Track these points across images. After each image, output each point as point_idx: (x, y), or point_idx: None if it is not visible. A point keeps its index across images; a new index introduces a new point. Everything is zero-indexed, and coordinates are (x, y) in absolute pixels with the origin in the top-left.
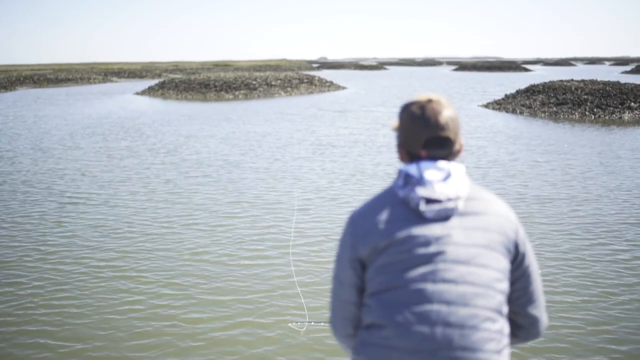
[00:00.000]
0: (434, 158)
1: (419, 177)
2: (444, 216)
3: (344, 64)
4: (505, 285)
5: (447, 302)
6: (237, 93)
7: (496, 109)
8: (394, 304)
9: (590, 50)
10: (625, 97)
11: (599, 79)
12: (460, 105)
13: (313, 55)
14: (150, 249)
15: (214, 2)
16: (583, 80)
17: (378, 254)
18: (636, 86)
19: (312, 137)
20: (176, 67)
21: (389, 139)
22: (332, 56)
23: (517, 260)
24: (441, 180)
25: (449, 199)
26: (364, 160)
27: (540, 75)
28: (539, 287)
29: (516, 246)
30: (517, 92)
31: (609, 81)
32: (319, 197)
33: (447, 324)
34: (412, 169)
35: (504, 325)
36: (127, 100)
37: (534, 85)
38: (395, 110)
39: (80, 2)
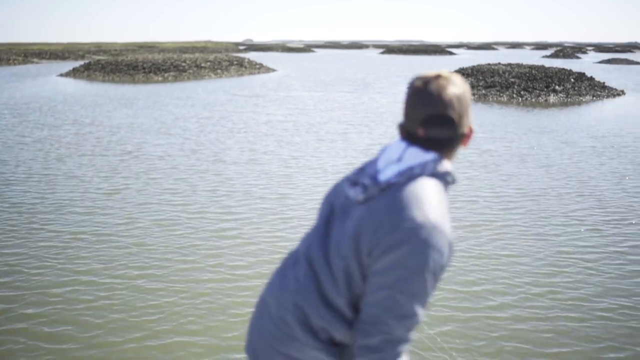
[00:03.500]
0: (434, 140)
1: (376, 157)
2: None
3: (271, 46)
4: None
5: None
6: (166, 75)
7: None
8: None
9: (511, 35)
10: (550, 80)
11: (524, 63)
12: (398, 89)
13: (238, 37)
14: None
15: None
16: (510, 64)
17: None
18: (560, 70)
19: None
20: (99, 49)
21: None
22: (258, 38)
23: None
24: (392, 163)
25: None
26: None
27: (465, 59)
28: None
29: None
30: None
31: (534, 65)
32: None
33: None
34: (387, 146)
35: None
36: (51, 82)
37: (463, 69)
38: (339, 92)
39: None
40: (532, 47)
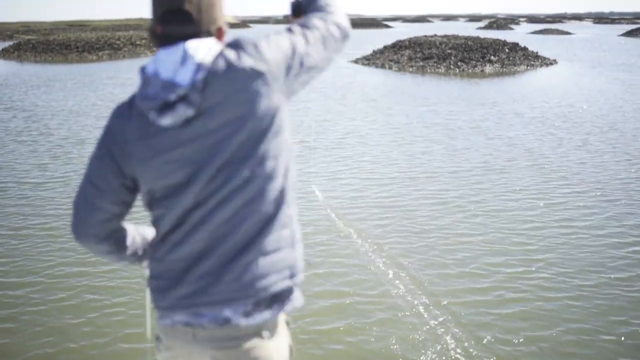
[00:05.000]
0: (174, 38)
1: (152, 71)
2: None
3: None
4: None
5: None
6: (100, 54)
7: (365, 65)
8: None
9: (445, 8)
10: (485, 51)
11: (459, 34)
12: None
13: None
14: None
15: None
16: (446, 35)
17: None
18: (494, 41)
19: None
20: (28, 28)
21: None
22: None
23: None
24: (177, 67)
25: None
26: None
27: (401, 32)
28: None
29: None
30: (385, 47)
31: (470, 36)
32: None
33: None
34: (150, 61)
35: None
36: None
37: (400, 41)
38: None
39: None
40: (466, 19)
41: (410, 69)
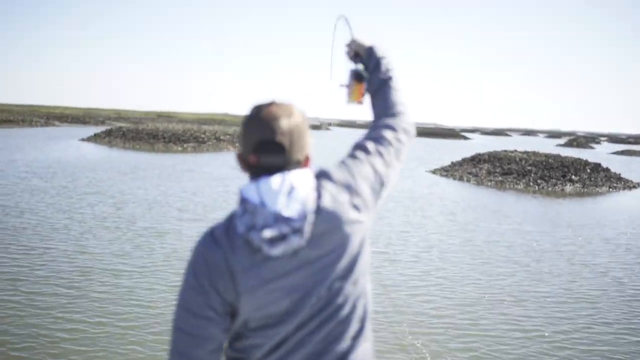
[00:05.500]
0: (266, 167)
1: (257, 201)
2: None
3: None
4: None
5: None
6: (185, 145)
7: (444, 176)
8: None
9: (524, 122)
10: (566, 169)
11: (540, 151)
12: (409, 169)
13: None
14: None
15: (154, 53)
16: (526, 152)
17: None
18: (576, 160)
19: None
20: (119, 116)
21: None
22: None
23: None
24: (285, 199)
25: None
26: None
27: (480, 144)
28: None
29: None
30: (463, 160)
31: (550, 154)
32: None
33: None
34: (251, 189)
35: None
36: (73, 146)
37: (479, 154)
38: None
39: (15, 39)
40: (545, 135)
41: (489, 183)
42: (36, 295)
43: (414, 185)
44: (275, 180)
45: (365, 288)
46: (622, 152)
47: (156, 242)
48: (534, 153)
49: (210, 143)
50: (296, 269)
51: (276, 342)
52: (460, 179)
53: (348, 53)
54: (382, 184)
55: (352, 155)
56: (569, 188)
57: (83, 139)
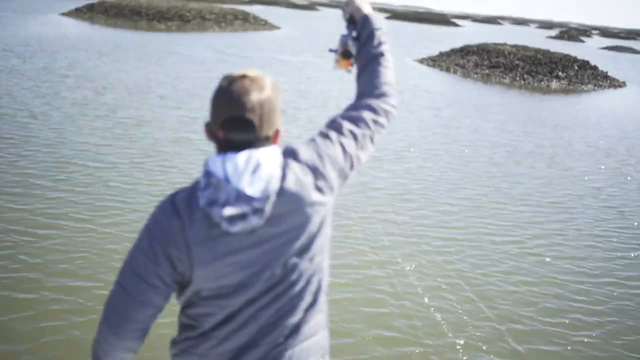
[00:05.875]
0: (234, 143)
1: (222, 176)
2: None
3: (277, 1)
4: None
5: None
6: (169, 24)
7: (430, 66)
8: None
9: (516, 11)
10: (554, 66)
11: (530, 45)
12: (395, 57)
13: None
14: None
15: None
16: (516, 46)
17: None
18: (564, 56)
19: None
20: None
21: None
22: None
23: None
24: (249, 177)
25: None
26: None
27: (470, 32)
28: None
29: None
30: (452, 50)
31: (539, 49)
32: None
33: None
34: (216, 163)
35: None
36: (53, 21)
37: (468, 46)
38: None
39: None
40: (537, 25)
41: (475, 76)
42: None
43: (400, 76)
44: (242, 157)
45: (321, 264)
46: (613, 48)
47: (137, 132)
48: (524, 47)
49: (195, 22)
50: (252, 245)
51: (228, 314)
52: (447, 70)
53: (344, 14)
54: (351, 166)
55: (324, 134)
56: (554, 84)
57: (64, 13)
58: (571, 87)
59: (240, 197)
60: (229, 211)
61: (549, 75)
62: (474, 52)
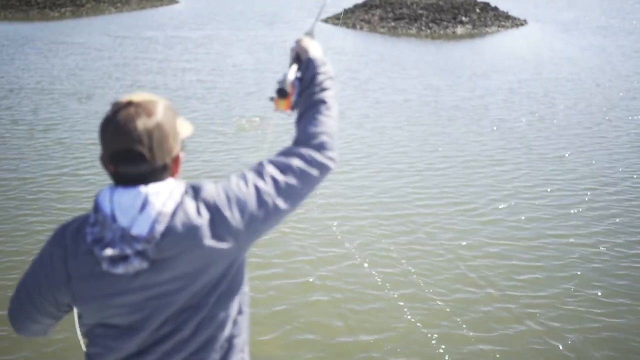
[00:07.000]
0: (127, 177)
1: (109, 213)
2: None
3: None
4: None
5: None
6: (63, 10)
7: (336, 24)
8: None
9: None
10: (456, 11)
11: None
12: (300, 19)
13: None
14: None
15: None
16: None
17: None
18: (465, 1)
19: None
20: None
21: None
22: None
23: None
24: (135, 214)
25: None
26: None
27: None
28: None
29: None
30: (355, 6)
31: None
32: None
33: None
34: (105, 199)
35: None
36: None
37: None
38: (251, 29)
39: None
40: None
41: (382, 30)
42: None
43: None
44: (130, 193)
45: (227, 320)
46: None
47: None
48: None
49: (89, 6)
50: (139, 289)
51: (117, 359)
52: (353, 27)
53: (291, 53)
54: (266, 214)
55: (241, 175)
56: (460, 30)
57: None
58: (476, 30)
59: (125, 237)
60: (109, 252)
61: (453, 21)
62: (377, 5)
